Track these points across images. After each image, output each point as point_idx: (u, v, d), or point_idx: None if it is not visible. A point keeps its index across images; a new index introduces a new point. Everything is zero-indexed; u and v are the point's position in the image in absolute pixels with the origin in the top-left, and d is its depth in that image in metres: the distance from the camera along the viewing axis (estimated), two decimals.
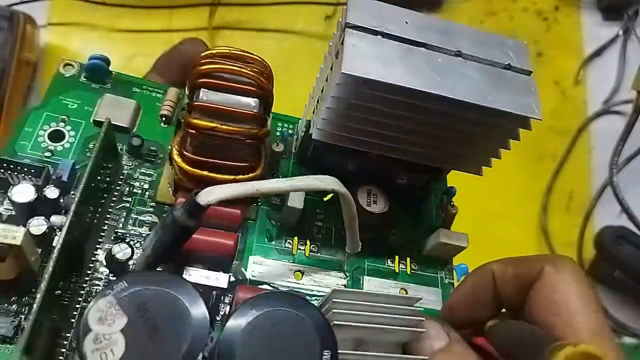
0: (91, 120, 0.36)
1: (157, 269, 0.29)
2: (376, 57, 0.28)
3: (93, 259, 0.31)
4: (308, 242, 0.35)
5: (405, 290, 0.35)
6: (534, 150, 0.76)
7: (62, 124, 0.35)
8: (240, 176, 0.32)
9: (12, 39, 0.66)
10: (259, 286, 0.33)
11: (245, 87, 0.31)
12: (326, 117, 0.31)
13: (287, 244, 0.35)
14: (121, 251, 0.30)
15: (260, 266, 0.34)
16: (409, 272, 0.36)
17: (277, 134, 0.39)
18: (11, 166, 0.32)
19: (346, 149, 0.33)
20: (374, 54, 0.29)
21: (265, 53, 0.33)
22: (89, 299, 0.30)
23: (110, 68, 0.38)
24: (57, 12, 0.74)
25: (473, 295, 0.27)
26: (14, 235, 0.26)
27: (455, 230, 0.37)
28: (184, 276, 0.29)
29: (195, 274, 0.30)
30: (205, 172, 0.31)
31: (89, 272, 0.31)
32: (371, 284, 0.35)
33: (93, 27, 0.74)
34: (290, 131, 0.40)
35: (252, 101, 0.31)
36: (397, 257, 0.36)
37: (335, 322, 0.24)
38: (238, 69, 0.31)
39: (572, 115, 0.78)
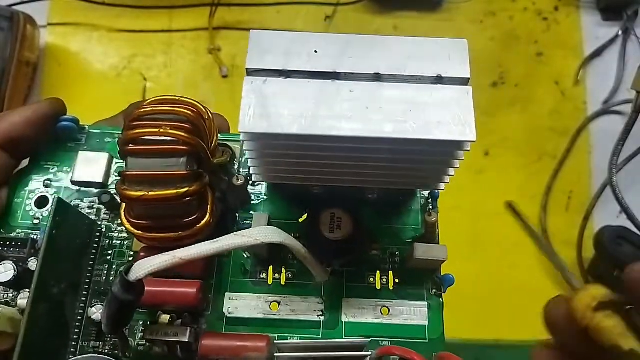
0: (70, 182, 0.36)
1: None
2: (277, 104, 0.26)
3: (80, 318, 0.32)
4: (283, 270, 0.34)
5: (388, 309, 0.33)
6: (534, 150, 0.76)
7: (45, 189, 0.36)
8: (184, 232, 0.31)
9: (12, 39, 0.66)
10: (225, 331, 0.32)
11: (169, 147, 0.29)
12: (255, 164, 0.30)
13: (262, 275, 0.34)
14: (96, 312, 0.32)
15: (237, 302, 0.33)
16: (391, 288, 0.33)
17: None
18: (1, 242, 0.33)
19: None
20: (275, 101, 0.26)
21: None
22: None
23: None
24: (57, 13, 0.74)
25: None
26: None
27: (438, 241, 0.34)
28: (147, 334, 0.30)
29: (159, 330, 0.30)
30: (151, 235, 0.31)
31: (76, 330, 0.32)
32: (350, 305, 0.33)
33: (93, 28, 0.74)
34: None
35: (178, 161, 0.29)
36: (378, 272, 0.34)
37: None
38: (158, 131, 0.29)
39: (571, 115, 0.78)
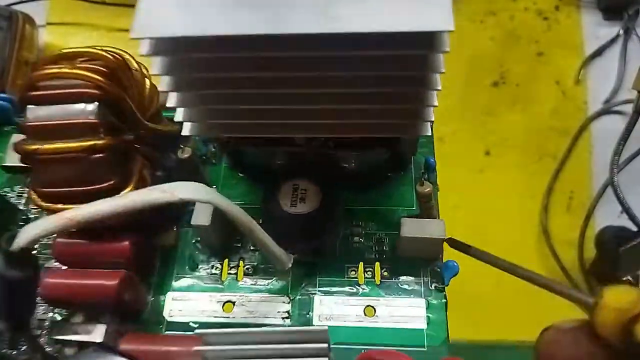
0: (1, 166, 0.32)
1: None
2: (184, 5, 0.20)
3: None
4: (241, 264, 0.28)
5: (373, 309, 0.26)
6: (535, 149, 0.75)
7: None
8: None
9: (11, 38, 0.65)
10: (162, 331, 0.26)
11: (75, 91, 0.24)
12: (176, 104, 0.24)
13: (215, 270, 0.28)
14: None
15: (180, 302, 0.27)
16: (377, 282, 0.27)
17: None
18: None
19: (259, 140, 0.26)
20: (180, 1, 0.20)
21: None
22: None
23: None
24: (56, 12, 0.74)
25: None
26: None
27: (438, 221, 0.27)
28: (54, 332, 0.25)
29: (68, 328, 0.25)
30: (59, 206, 0.25)
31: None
32: (324, 305, 0.27)
33: (92, 27, 0.73)
34: None
35: (85, 107, 0.24)
36: (361, 264, 0.28)
37: None
38: (67, 71, 0.24)
39: (572, 114, 0.77)
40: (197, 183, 0.24)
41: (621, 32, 0.80)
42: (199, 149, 0.31)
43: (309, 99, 0.23)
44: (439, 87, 0.22)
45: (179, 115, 0.25)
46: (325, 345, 0.21)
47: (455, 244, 0.27)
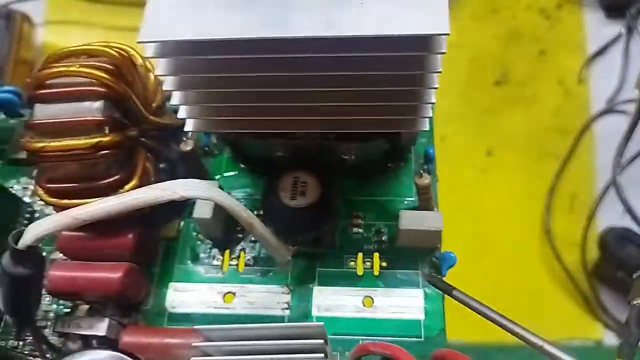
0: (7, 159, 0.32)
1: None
2: (189, 10, 0.21)
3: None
4: (242, 254, 0.28)
5: (372, 299, 0.27)
6: (537, 150, 0.75)
7: None
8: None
9: (9, 37, 0.65)
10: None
11: (81, 89, 0.24)
12: (180, 102, 0.25)
13: (216, 261, 0.28)
14: None
15: (182, 294, 0.28)
16: (376, 273, 0.27)
17: None
18: None
19: (259, 133, 0.26)
20: (185, 5, 0.21)
21: None
22: None
23: None
24: (53, 11, 0.73)
25: None
26: None
27: (436, 213, 0.28)
28: (58, 326, 0.25)
29: (71, 322, 0.25)
30: (65, 201, 0.25)
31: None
32: (323, 295, 0.27)
33: (90, 25, 0.73)
34: None
35: (91, 105, 0.24)
36: (360, 254, 0.28)
37: None
38: (74, 69, 0.24)
39: (575, 114, 0.77)
40: (198, 180, 0.24)
41: (623, 30, 0.80)
42: (201, 140, 0.32)
43: (309, 97, 0.23)
44: (437, 86, 0.23)
45: (182, 113, 0.25)
46: (322, 341, 0.21)
47: (438, 284, 0.27)
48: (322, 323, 0.21)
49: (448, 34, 0.19)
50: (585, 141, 0.75)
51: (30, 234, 0.23)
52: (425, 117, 0.25)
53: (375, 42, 0.20)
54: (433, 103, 0.24)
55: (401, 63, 0.21)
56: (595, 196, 0.71)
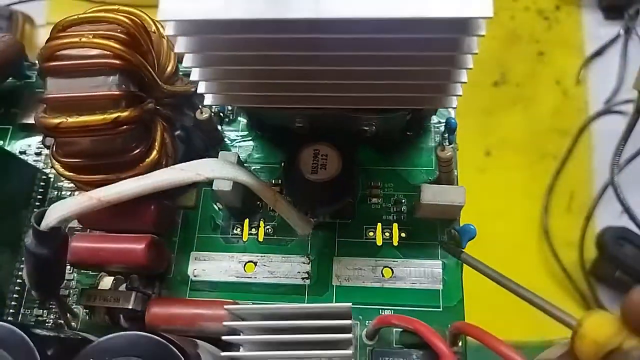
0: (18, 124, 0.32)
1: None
2: None
3: (20, 281, 0.28)
4: (262, 224, 0.28)
5: (391, 270, 0.27)
6: (535, 150, 0.75)
7: None
8: (123, 173, 0.25)
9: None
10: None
11: (96, 62, 0.23)
12: (200, 78, 0.24)
13: (236, 230, 0.28)
14: None
15: (204, 262, 0.28)
16: (395, 244, 0.27)
17: None
18: None
19: None
20: None
21: None
22: None
23: None
24: (55, 12, 0.74)
25: None
26: None
27: (456, 183, 0.28)
28: (84, 300, 0.26)
29: (97, 295, 0.26)
30: (84, 177, 0.25)
31: (15, 296, 0.28)
32: (343, 265, 0.27)
33: None
34: None
35: (107, 79, 0.23)
36: (379, 225, 0.28)
37: None
38: (86, 40, 0.23)
39: (573, 114, 0.77)
40: (220, 160, 0.24)
41: (622, 31, 0.80)
42: (217, 107, 0.31)
43: (339, 75, 0.23)
44: (471, 66, 0.22)
45: (201, 88, 0.25)
46: (349, 321, 0.21)
47: (447, 248, 0.27)
48: (349, 304, 0.22)
49: (491, 17, 0.18)
50: (584, 141, 0.75)
51: (54, 215, 0.23)
52: (455, 95, 0.24)
53: (413, 24, 0.19)
54: (465, 82, 0.23)
55: (438, 44, 0.21)
56: (593, 196, 0.71)
